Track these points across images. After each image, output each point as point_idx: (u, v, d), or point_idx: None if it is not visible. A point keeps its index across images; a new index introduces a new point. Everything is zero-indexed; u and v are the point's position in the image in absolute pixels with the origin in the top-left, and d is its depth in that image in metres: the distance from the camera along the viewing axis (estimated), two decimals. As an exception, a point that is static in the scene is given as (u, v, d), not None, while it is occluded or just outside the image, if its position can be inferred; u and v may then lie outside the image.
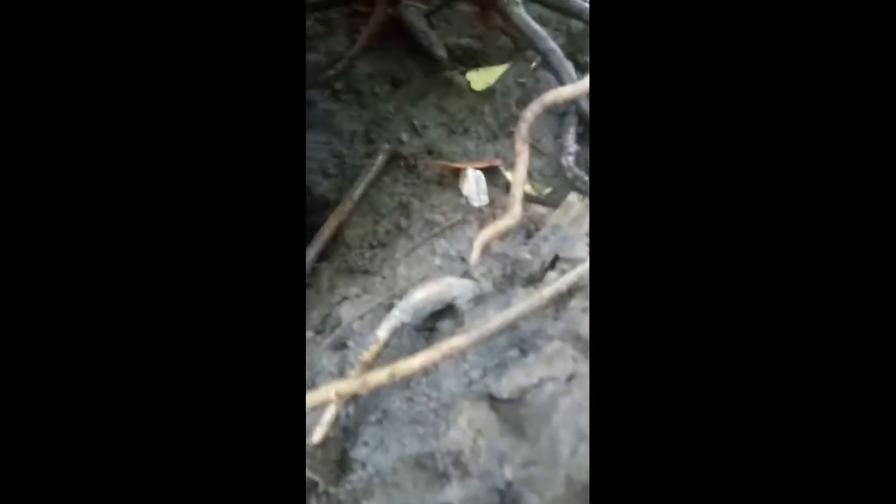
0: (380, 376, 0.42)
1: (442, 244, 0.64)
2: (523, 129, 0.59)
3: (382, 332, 0.47)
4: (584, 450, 0.34)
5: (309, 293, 0.73)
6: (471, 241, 0.67)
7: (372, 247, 0.78)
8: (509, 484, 0.35)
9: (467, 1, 0.97)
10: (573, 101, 0.85)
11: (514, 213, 0.56)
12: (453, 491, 0.37)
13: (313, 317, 0.68)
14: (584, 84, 0.61)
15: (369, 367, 0.46)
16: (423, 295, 0.49)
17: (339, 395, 0.43)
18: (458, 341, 0.43)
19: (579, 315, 0.46)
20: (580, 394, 0.37)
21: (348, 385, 0.43)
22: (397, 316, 0.47)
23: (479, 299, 0.49)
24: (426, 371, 0.45)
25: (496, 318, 0.44)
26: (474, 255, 0.54)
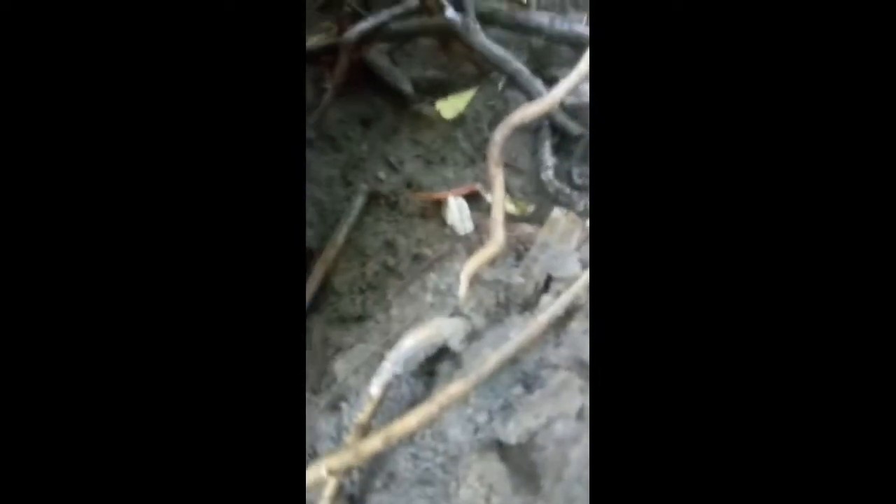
0: (373, 443, 0.39)
1: (432, 278, 0.62)
2: (494, 152, 0.58)
3: (375, 389, 0.44)
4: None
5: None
6: (460, 272, 0.64)
7: (362, 291, 0.75)
8: None
9: (427, 35, 0.98)
10: (545, 117, 0.84)
11: (497, 239, 0.54)
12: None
13: (309, 374, 0.64)
14: (550, 99, 0.59)
15: (365, 429, 0.43)
16: (413, 342, 0.46)
17: (331, 471, 0.39)
18: (455, 388, 0.39)
19: (581, 338, 0.43)
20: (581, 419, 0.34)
21: (339, 459, 0.39)
22: (388, 369, 0.44)
23: (475, 335, 0.46)
24: (427, 425, 0.41)
25: (493, 356, 0.41)
26: (462, 289, 0.51)
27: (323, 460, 0.40)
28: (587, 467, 0.33)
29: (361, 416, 0.42)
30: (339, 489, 0.43)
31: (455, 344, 0.45)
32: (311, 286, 0.74)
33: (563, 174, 0.79)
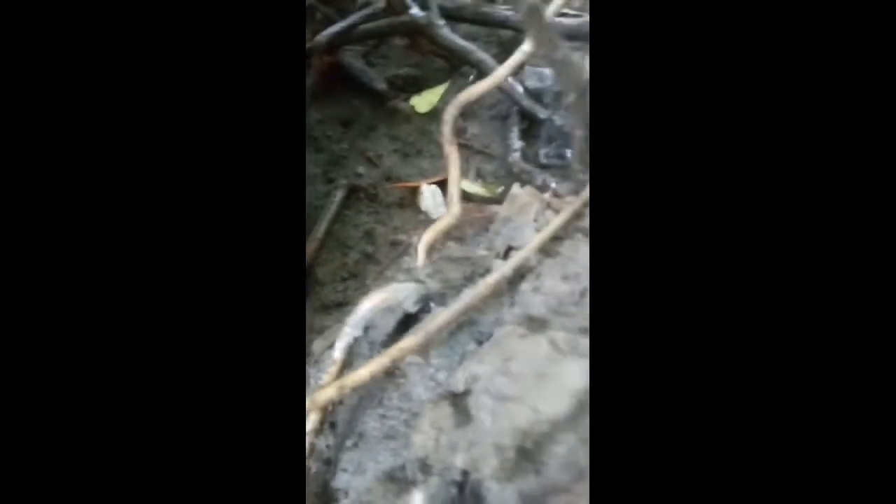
0: (328, 392, 0.42)
1: (406, 261, 0.65)
2: (446, 130, 0.61)
3: (337, 353, 0.47)
4: (503, 412, 0.33)
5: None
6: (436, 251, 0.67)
7: (343, 279, 0.79)
8: (464, 472, 0.34)
9: (395, 34, 1.02)
10: (514, 104, 0.87)
11: (453, 211, 0.56)
12: (418, 495, 0.36)
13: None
14: (494, 77, 0.63)
15: (329, 389, 0.46)
16: (369, 305, 0.49)
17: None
18: (407, 342, 0.42)
19: (530, 296, 0.46)
20: (505, 376, 0.37)
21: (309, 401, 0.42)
22: (349, 332, 0.47)
23: (439, 300, 0.49)
24: (390, 371, 0.44)
25: (444, 314, 0.44)
26: (420, 258, 0.54)
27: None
28: (496, 383, 0.35)
29: (326, 377, 0.45)
30: (312, 448, 0.46)
31: (409, 306, 0.48)
32: (296, 278, 0.78)
33: (531, 156, 0.82)
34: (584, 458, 0.32)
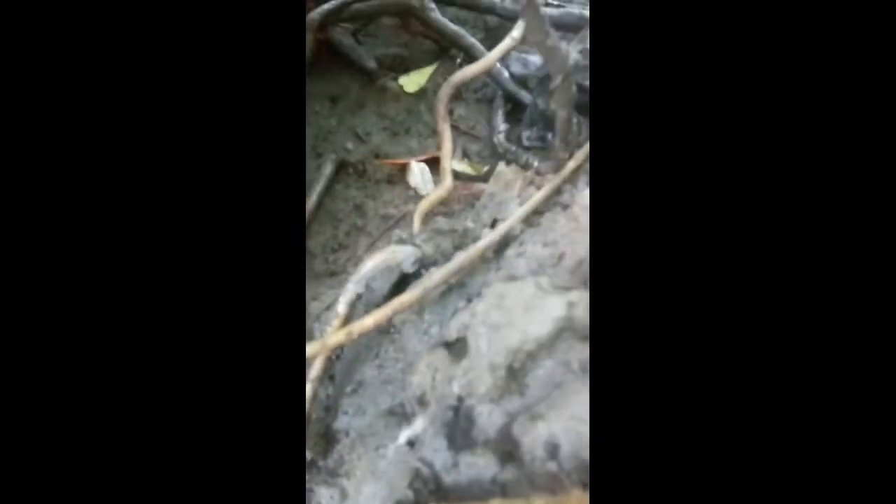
0: (338, 336, 0.46)
1: (396, 233, 0.69)
2: (440, 108, 0.65)
3: (341, 307, 0.51)
4: (497, 337, 0.39)
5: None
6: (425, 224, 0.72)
7: (334, 250, 0.82)
8: (459, 398, 0.40)
9: (388, 14, 1.04)
10: (500, 88, 0.92)
11: (445, 184, 0.61)
12: (418, 422, 0.41)
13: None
14: (485, 61, 0.67)
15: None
16: (371, 264, 0.53)
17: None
18: (406, 297, 0.47)
19: (514, 261, 0.51)
20: (498, 310, 0.43)
21: (311, 349, 0.47)
22: (351, 289, 0.52)
23: (428, 264, 0.54)
24: (385, 329, 0.49)
25: (438, 273, 0.49)
26: (416, 225, 0.59)
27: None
28: (492, 315, 0.41)
29: (331, 330, 0.50)
30: (315, 397, 0.50)
31: (407, 266, 0.53)
32: (288, 248, 0.81)
33: (515, 138, 0.87)
34: (560, 377, 0.38)
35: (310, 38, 0.92)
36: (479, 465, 0.36)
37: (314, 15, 0.91)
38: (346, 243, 0.82)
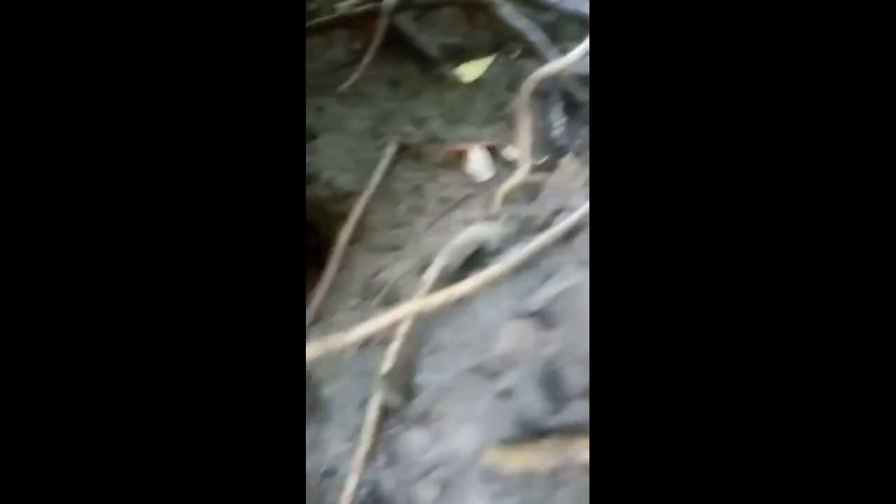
0: (434, 299, 0.53)
1: (457, 214, 0.75)
2: (522, 99, 0.71)
3: (431, 273, 0.57)
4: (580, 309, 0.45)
5: (343, 273, 0.83)
6: (483, 208, 0.77)
7: (395, 227, 0.88)
8: (548, 361, 0.46)
9: (452, 5, 1.08)
10: (556, 81, 0.96)
11: (524, 168, 0.66)
12: (507, 380, 0.48)
13: (354, 288, 0.78)
14: (564, 60, 0.72)
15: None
16: (462, 239, 0.59)
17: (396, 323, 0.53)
18: (487, 272, 0.53)
19: (580, 248, 0.57)
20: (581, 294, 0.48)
21: (404, 310, 0.53)
22: (440, 261, 0.58)
23: (505, 243, 0.60)
24: (467, 301, 0.56)
25: (516, 253, 0.55)
26: (497, 204, 0.64)
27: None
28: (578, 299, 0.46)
29: (421, 293, 0.56)
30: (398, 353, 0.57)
31: (493, 243, 0.59)
32: (350, 224, 0.87)
33: (573, 131, 0.92)
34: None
35: (382, 24, 0.96)
36: (579, 412, 0.43)
37: (389, 1, 0.96)
38: (406, 221, 0.88)
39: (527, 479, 0.43)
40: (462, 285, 0.53)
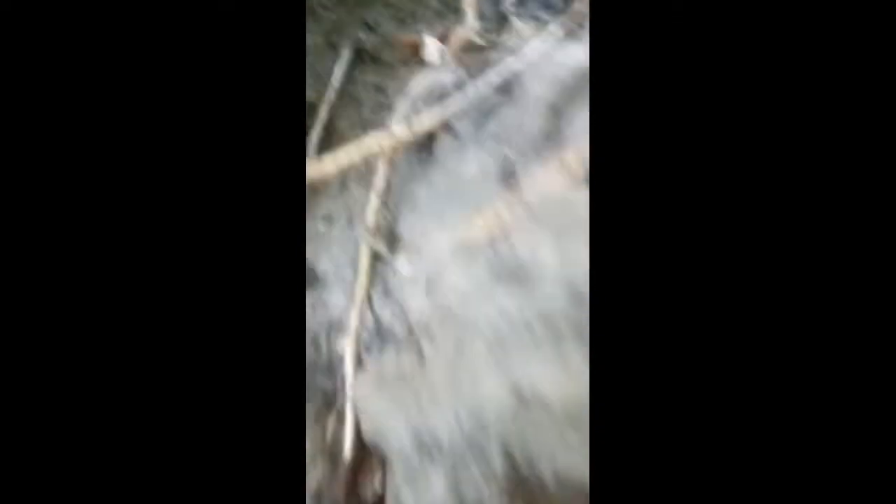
0: (404, 131, 0.55)
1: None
2: None
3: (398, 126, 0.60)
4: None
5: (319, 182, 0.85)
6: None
7: (363, 127, 0.89)
8: None
9: None
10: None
11: (470, 25, 0.67)
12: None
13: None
14: None
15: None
16: (422, 81, 0.61)
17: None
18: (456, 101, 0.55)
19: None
20: None
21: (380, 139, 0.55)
22: (403, 106, 0.60)
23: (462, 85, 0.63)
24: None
25: (478, 85, 0.57)
26: (450, 55, 0.66)
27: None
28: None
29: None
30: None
31: (449, 85, 0.61)
32: (317, 131, 0.88)
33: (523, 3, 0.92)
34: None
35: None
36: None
37: None
38: (373, 119, 0.89)
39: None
40: (424, 119, 0.56)
